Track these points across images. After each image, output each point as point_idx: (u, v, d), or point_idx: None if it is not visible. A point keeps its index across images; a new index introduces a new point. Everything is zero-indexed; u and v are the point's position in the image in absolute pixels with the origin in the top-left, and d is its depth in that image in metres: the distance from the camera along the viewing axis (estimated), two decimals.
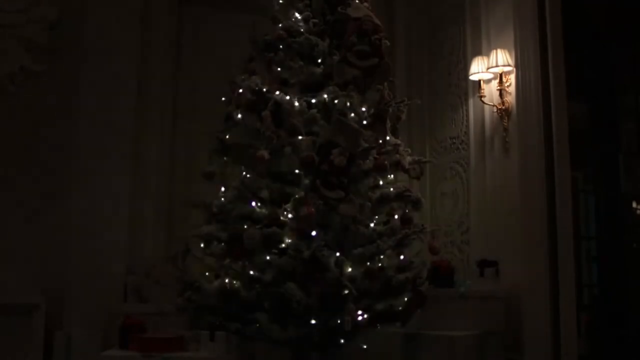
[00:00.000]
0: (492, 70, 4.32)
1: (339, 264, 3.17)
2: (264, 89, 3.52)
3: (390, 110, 3.73)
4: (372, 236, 3.38)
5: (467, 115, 4.69)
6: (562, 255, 3.91)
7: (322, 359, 3.40)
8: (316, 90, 3.55)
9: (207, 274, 3.49)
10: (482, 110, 4.51)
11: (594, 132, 5.68)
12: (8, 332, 4.00)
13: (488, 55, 4.38)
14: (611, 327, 5.35)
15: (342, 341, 3.37)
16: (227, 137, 3.66)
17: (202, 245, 3.54)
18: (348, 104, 3.46)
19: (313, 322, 3.23)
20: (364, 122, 3.54)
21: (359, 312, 3.28)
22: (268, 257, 3.26)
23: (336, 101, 3.42)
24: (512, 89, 4.27)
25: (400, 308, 3.49)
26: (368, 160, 3.44)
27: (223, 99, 3.75)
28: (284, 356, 3.46)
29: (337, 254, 3.20)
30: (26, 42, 4.40)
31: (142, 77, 4.56)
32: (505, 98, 4.29)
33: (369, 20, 3.62)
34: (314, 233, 3.23)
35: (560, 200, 3.96)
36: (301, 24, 3.76)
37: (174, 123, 4.79)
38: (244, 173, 3.57)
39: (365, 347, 3.54)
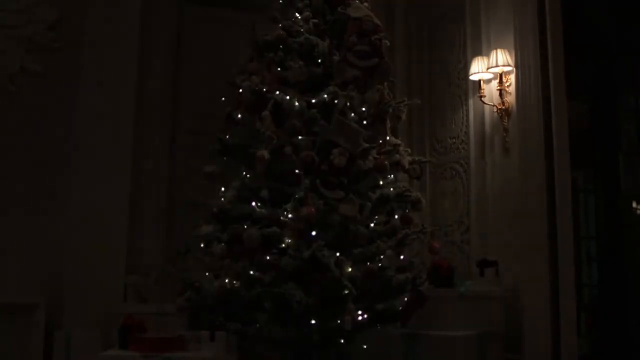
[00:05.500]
0: (492, 70, 4.32)
1: (339, 264, 3.17)
2: (264, 89, 3.52)
3: (390, 110, 3.73)
4: (372, 236, 3.38)
5: (467, 115, 4.69)
6: (562, 255, 3.91)
7: (322, 359, 3.40)
8: (316, 90, 3.55)
9: (207, 274, 3.49)
10: (482, 110, 4.51)
11: (594, 132, 5.68)
12: (8, 332, 4.00)
13: (488, 55, 4.38)
14: (611, 327, 5.35)
15: (342, 341, 3.37)
16: (227, 137, 3.66)
17: (202, 245, 3.53)
18: (348, 104, 3.46)
19: (313, 322, 3.22)
20: (364, 122, 3.54)
21: (359, 312, 3.28)
22: (268, 257, 3.26)
23: (336, 101, 3.42)
24: (512, 89, 4.28)
25: (400, 308, 3.49)
26: (368, 160, 3.44)
27: (223, 99, 3.75)
28: (284, 356, 3.46)
29: (337, 254, 3.19)
30: (26, 42, 4.40)
31: (142, 77, 4.55)
32: (505, 98, 4.29)
33: (369, 20, 3.62)
34: (314, 233, 3.23)
35: (560, 200, 3.96)
36: (301, 24, 3.76)
37: (174, 123, 4.79)
38: (244, 173, 3.57)
39: (365, 347, 3.54)
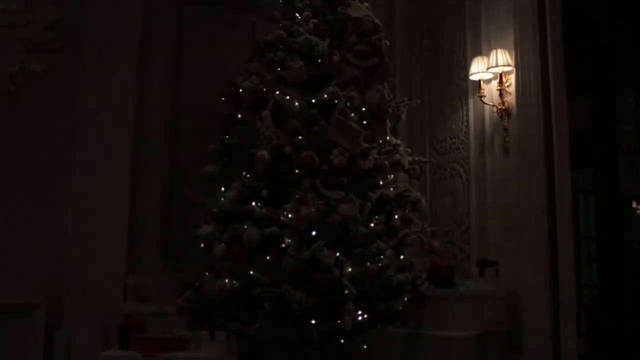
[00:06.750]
0: (492, 70, 4.32)
1: (339, 264, 3.17)
2: (264, 89, 3.52)
3: (390, 110, 3.73)
4: (372, 236, 3.38)
5: (467, 115, 4.70)
6: (562, 255, 3.91)
7: (322, 359, 3.40)
8: (316, 90, 3.55)
9: (207, 274, 3.49)
10: (482, 110, 4.51)
11: (594, 132, 5.68)
12: (8, 332, 4.00)
13: (488, 55, 4.38)
14: (611, 327, 5.35)
15: (342, 341, 3.37)
16: (227, 137, 3.66)
17: (202, 245, 3.53)
18: (348, 104, 3.46)
19: (313, 322, 3.22)
20: (364, 122, 3.54)
21: (359, 312, 3.28)
22: (268, 257, 3.26)
23: (336, 101, 3.42)
24: (512, 89, 4.28)
25: (400, 308, 3.49)
26: (368, 160, 3.44)
27: (223, 99, 3.75)
28: (284, 356, 3.46)
29: (337, 254, 3.19)
30: (26, 42, 4.40)
31: (142, 76, 4.55)
32: (505, 98, 4.29)
33: (369, 20, 3.62)
34: (314, 233, 3.23)
35: (560, 200, 3.96)
36: (301, 24, 3.76)
37: (174, 122, 4.79)
38: (244, 173, 3.57)
39: (365, 347, 3.54)
